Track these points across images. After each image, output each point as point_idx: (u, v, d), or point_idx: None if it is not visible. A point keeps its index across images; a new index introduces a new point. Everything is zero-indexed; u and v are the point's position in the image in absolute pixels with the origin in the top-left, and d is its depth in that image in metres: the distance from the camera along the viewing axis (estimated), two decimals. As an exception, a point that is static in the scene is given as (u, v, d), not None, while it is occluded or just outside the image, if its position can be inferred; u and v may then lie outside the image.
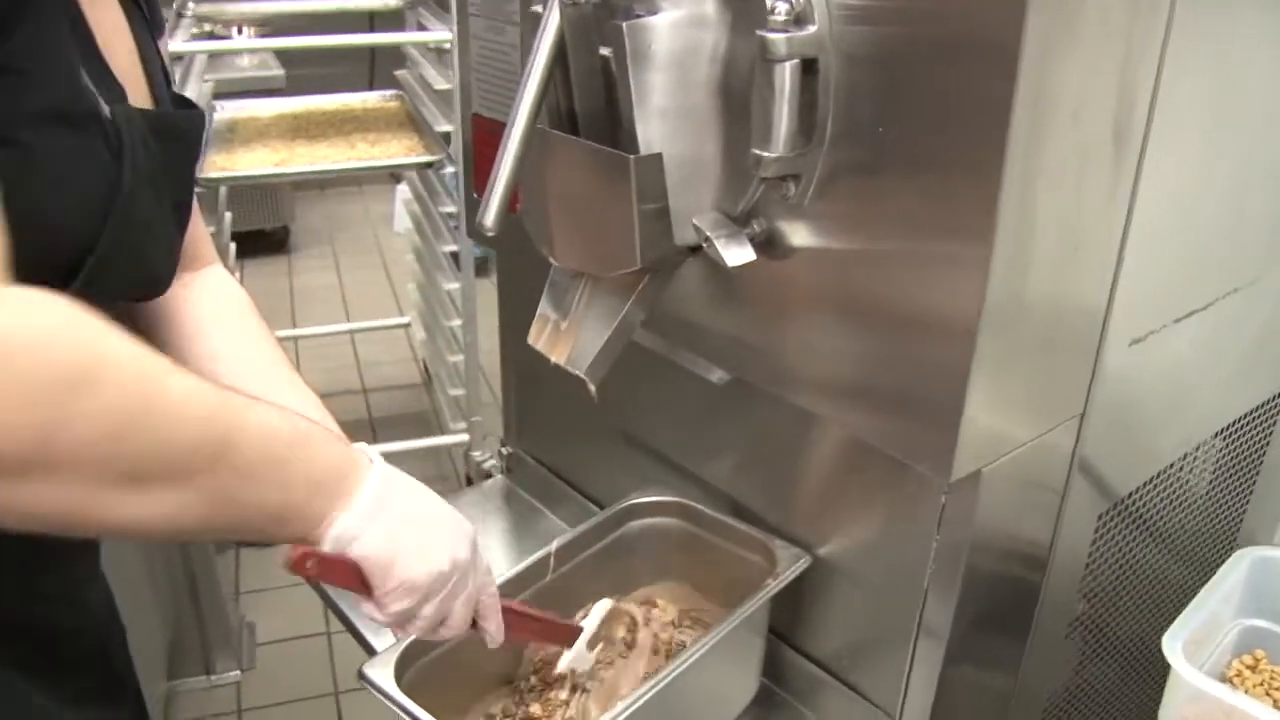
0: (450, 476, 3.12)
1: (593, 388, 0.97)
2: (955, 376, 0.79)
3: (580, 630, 1.06)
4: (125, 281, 0.80)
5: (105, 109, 0.71)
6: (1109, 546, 1.11)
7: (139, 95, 0.80)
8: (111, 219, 0.70)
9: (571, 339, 1.00)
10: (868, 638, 1.08)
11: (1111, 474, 1.05)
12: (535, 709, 1.07)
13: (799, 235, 0.87)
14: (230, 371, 0.92)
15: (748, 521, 1.14)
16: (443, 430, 3.07)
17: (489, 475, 2.80)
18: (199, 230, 0.98)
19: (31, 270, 0.56)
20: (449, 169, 2.64)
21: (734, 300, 0.97)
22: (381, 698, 0.90)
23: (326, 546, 0.74)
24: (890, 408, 0.85)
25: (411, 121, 2.90)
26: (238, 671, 2.40)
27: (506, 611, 0.92)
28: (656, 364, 1.15)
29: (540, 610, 1.02)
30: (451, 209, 2.71)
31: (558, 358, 0.99)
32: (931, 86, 0.74)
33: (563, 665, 1.06)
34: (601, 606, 1.10)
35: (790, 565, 1.05)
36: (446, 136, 2.61)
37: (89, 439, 0.55)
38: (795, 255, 0.88)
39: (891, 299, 0.82)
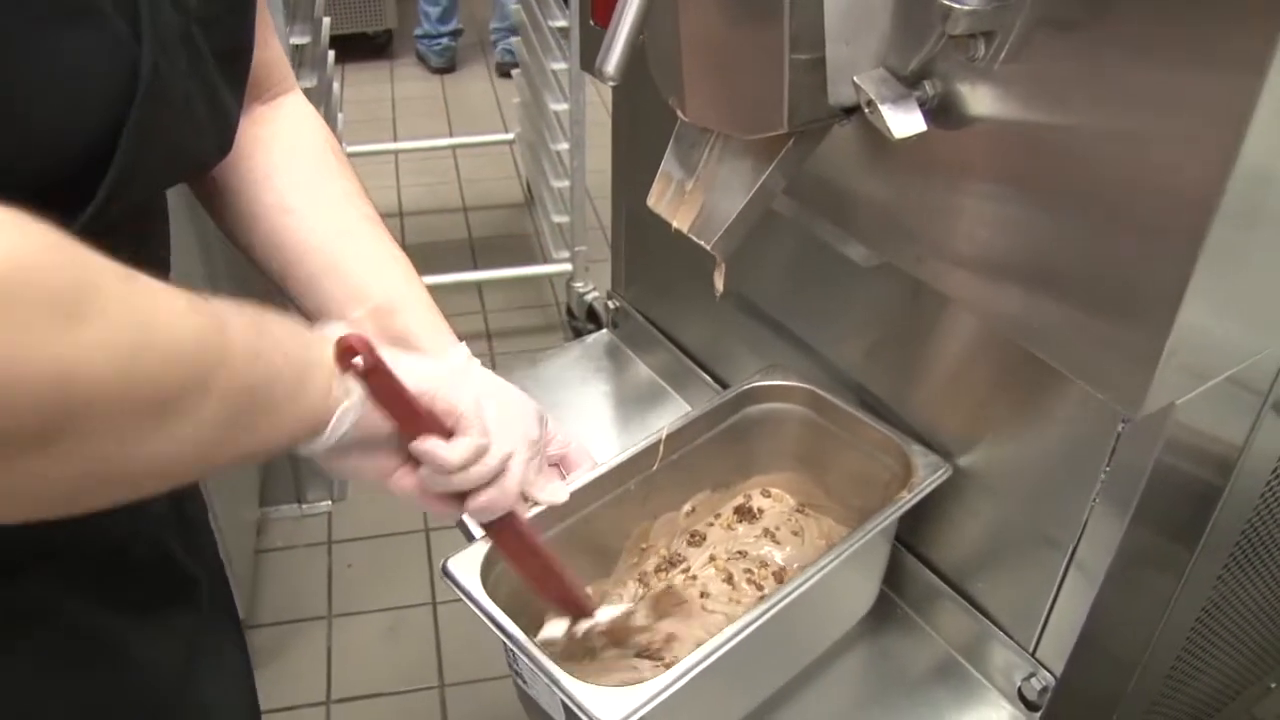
0: (550, 305, 3.04)
1: (719, 277, 0.85)
2: (1168, 286, 0.64)
3: (587, 612, 0.90)
4: (160, 181, 0.69)
5: None
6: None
7: None
8: (132, 117, 0.58)
9: (697, 203, 0.87)
10: (999, 556, 0.98)
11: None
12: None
13: (981, 103, 0.72)
14: (302, 225, 0.81)
15: (877, 415, 1.02)
16: (545, 257, 2.97)
17: (590, 308, 2.73)
18: (272, 54, 0.84)
19: (35, 194, 0.46)
20: (561, -21, 2.47)
21: (891, 171, 0.83)
22: (466, 599, 0.83)
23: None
24: (1073, 320, 0.71)
25: (520, -78, 2.70)
26: (329, 502, 2.39)
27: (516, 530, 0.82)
28: (789, 230, 1.02)
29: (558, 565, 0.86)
30: (563, 23, 2.53)
31: (681, 224, 0.87)
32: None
33: (544, 634, 0.89)
34: (612, 610, 0.92)
35: (929, 475, 0.94)
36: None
37: (104, 369, 0.47)
38: (973, 126, 0.73)
39: (1094, 183, 0.67)
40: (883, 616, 1.07)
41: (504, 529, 0.81)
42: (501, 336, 2.94)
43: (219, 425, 0.55)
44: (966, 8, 0.64)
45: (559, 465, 0.94)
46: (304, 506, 2.37)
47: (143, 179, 0.62)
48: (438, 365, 0.76)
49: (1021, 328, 0.76)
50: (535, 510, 0.89)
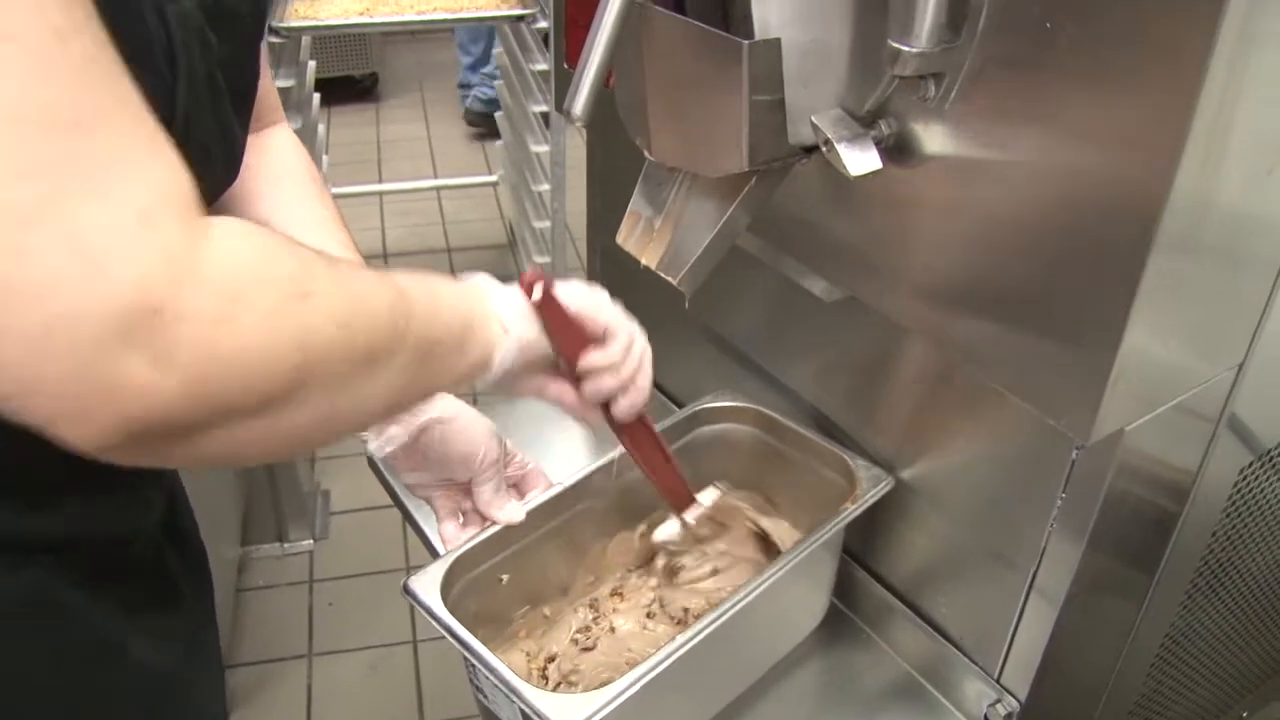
0: (531, 344, 3.06)
1: (688, 300, 0.87)
2: (1112, 314, 0.67)
3: (693, 501, 1.01)
4: None
5: (153, 19, 0.61)
6: (1248, 500, 1.00)
7: None
8: None
9: (665, 240, 0.89)
10: (958, 577, 1.00)
11: (1260, 427, 0.93)
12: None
13: (934, 141, 0.75)
14: None
15: (829, 435, 1.05)
16: (526, 297, 2.99)
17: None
18: (265, 87, 0.89)
19: None
20: (541, 23, 2.51)
21: (849, 209, 0.86)
22: (426, 614, 0.86)
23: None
24: (1026, 348, 0.74)
25: (502, -33, 2.76)
26: (310, 541, 2.39)
27: (647, 429, 0.92)
28: (756, 267, 1.04)
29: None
30: (544, 66, 2.58)
31: (649, 260, 0.89)
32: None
33: (660, 536, 1.04)
34: (709, 494, 1.06)
35: (872, 488, 0.97)
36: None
37: (330, 333, 0.56)
38: (927, 163, 0.76)
39: (1041, 218, 0.70)
40: (837, 632, 1.09)
41: (636, 428, 0.91)
42: (483, 375, 2.95)
43: (408, 373, 0.64)
44: (914, 50, 0.67)
45: (517, 486, 0.99)
46: (285, 545, 2.37)
47: None
48: (588, 290, 0.86)
49: (978, 356, 0.79)
50: (492, 530, 0.92)
